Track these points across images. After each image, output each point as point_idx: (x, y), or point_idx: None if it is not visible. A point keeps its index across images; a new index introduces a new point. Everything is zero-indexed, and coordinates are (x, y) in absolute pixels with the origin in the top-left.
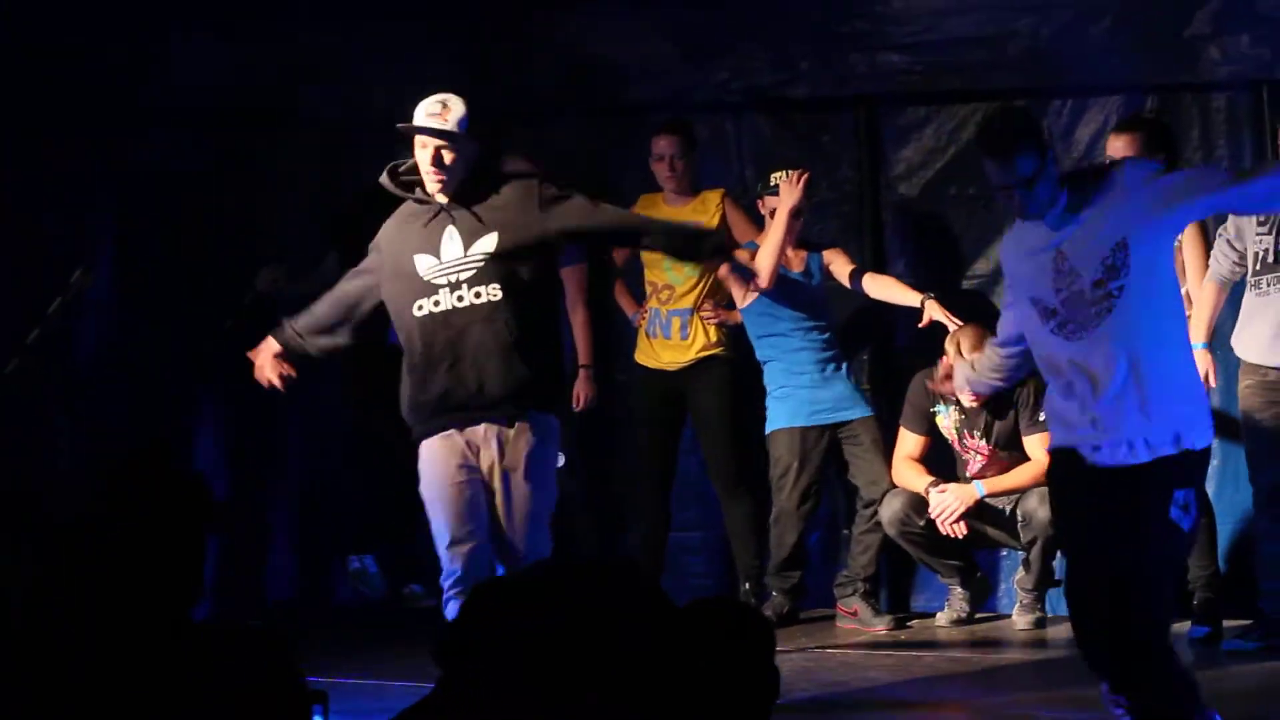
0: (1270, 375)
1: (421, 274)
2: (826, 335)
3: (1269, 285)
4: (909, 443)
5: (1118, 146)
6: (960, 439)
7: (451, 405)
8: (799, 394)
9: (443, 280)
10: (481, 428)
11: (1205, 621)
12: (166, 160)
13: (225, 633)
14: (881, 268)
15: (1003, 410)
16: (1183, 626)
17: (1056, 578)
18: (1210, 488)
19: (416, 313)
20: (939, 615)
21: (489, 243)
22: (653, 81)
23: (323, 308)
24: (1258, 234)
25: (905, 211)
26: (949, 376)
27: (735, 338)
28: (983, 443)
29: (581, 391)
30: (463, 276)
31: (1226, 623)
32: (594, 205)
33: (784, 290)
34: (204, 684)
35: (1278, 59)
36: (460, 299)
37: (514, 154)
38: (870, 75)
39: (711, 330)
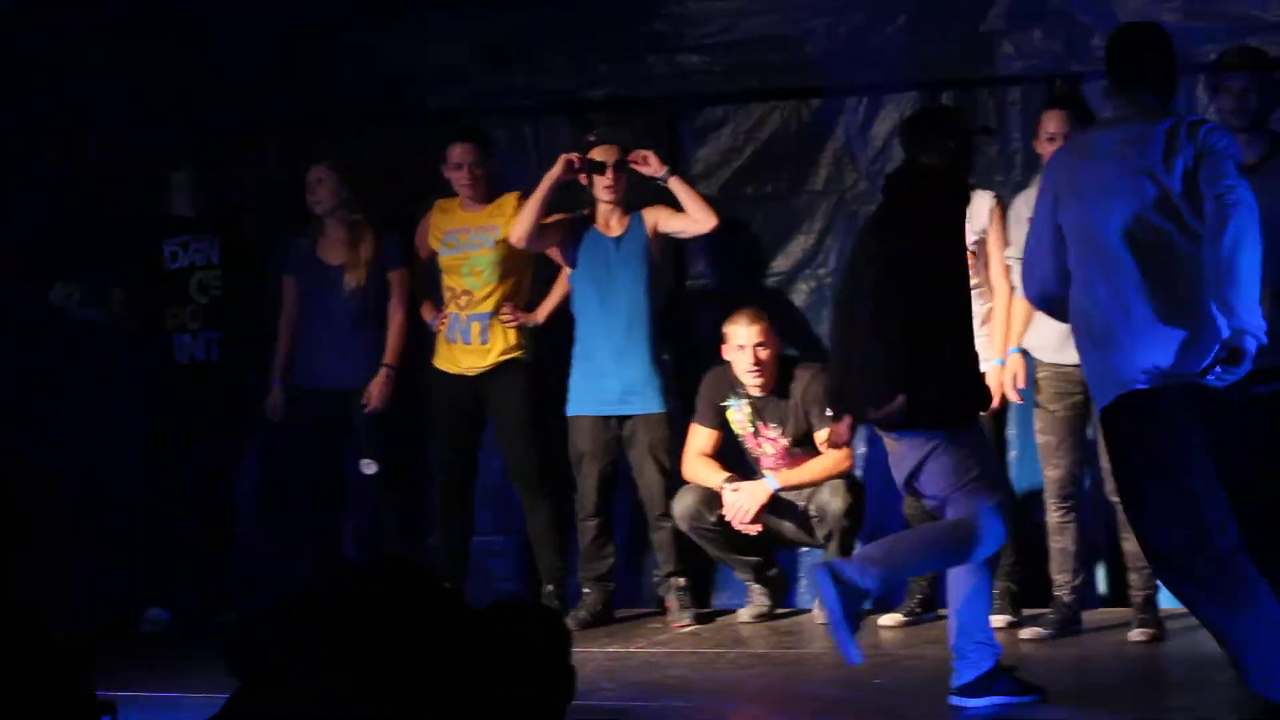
0: (1064, 367)
1: None
2: (631, 314)
3: None
4: (701, 438)
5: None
6: (754, 433)
7: None
8: (588, 379)
9: None
10: None
11: (1007, 610)
12: None
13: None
14: (682, 267)
15: (794, 404)
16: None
17: None
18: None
19: None
20: (740, 611)
21: None
22: (450, 87)
23: None
24: None
25: None
26: None
27: (535, 340)
28: (776, 436)
29: (376, 390)
30: None
31: (1024, 611)
32: None
33: (587, 256)
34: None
35: (1070, 52)
36: None
37: None
38: (668, 76)
39: (510, 333)
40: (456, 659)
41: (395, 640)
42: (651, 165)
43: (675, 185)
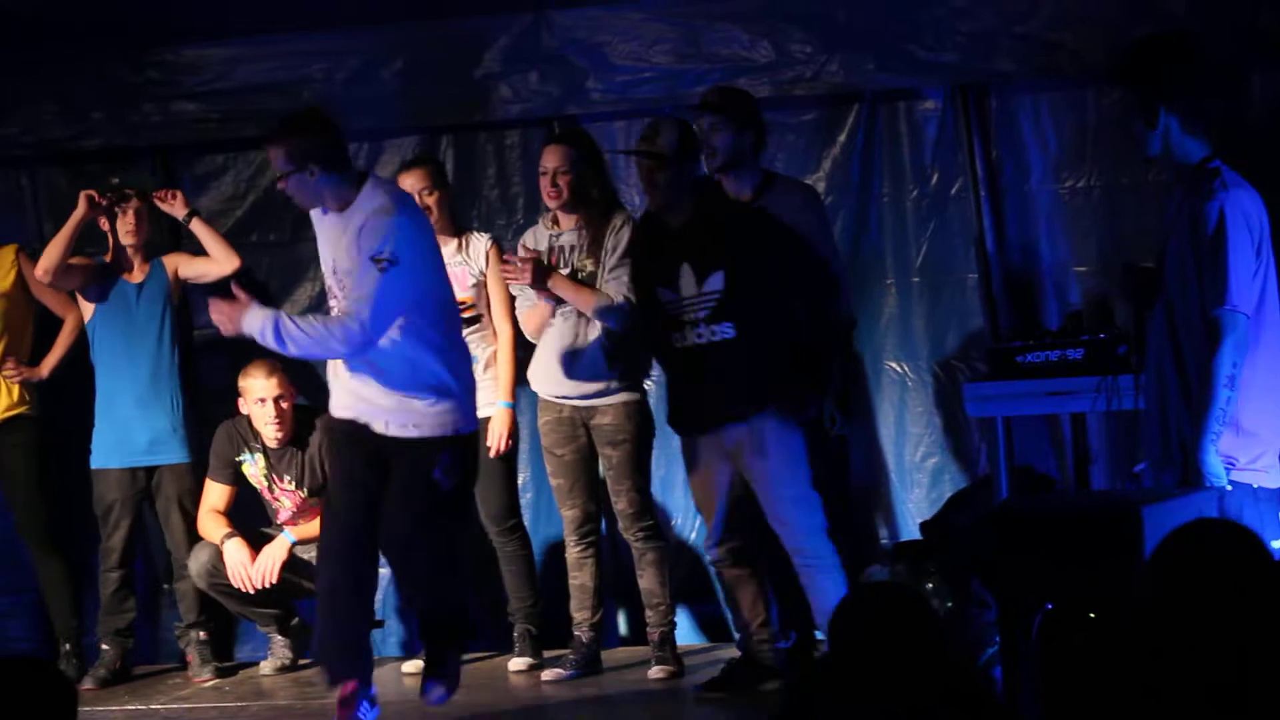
0: (565, 410)
1: None
2: (156, 362)
3: (552, 317)
4: (214, 494)
5: (409, 182)
6: (269, 487)
7: None
8: (114, 429)
9: None
10: None
11: (528, 652)
12: None
13: None
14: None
15: (310, 455)
16: (512, 661)
17: (378, 618)
18: (525, 518)
19: None
20: (262, 664)
21: None
22: None
23: None
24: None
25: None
26: None
27: (42, 394)
28: (293, 489)
29: None
30: None
31: (545, 652)
32: None
33: (109, 302)
34: None
35: (567, 95)
36: None
37: None
38: (164, 124)
39: (14, 389)
40: None
41: None
42: (177, 204)
43: (197, 226)
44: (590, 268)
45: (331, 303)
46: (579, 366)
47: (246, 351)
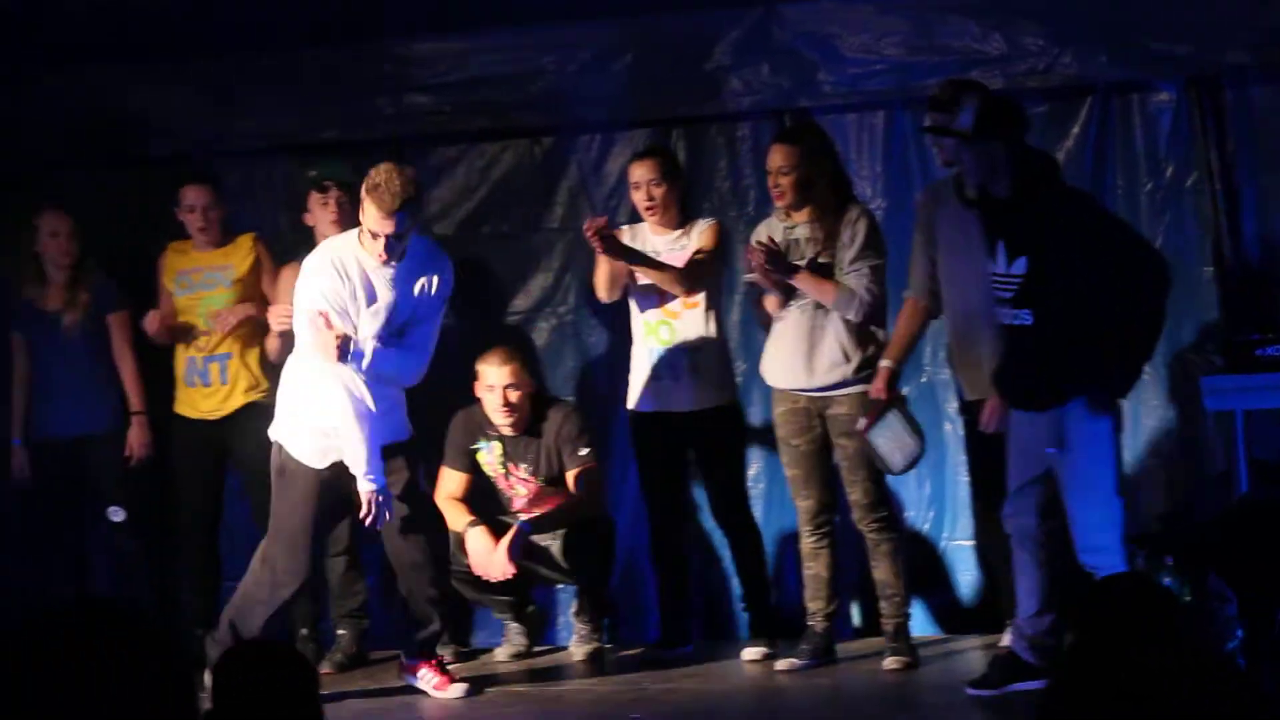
0: (800, 401)
1: None
2: None
3: (786, 309)
4: (451, 481)
5: (638, 173)
6: (504, 474)
7: None
8: None
9: None
10: None
11: (760, 641)
12: None
13: None
14: None
15: (545, 444)
16: (745, 650)
17: (612, 606)
18: (757, 511)
19: None
20: (497, 650)
21: None
22: (179, 131)
23: None
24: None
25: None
26: None
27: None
28: (528, 477)
29: (135, 440)
30: None
31: (779, 643)
32: None
33: None
34: None
35: (797, 88)
36: None
37: None
38: (397, 117)
39: (253, 374)
40: (172, 707)
41: (102, 691)
42: None
43: None
44: (825, 261)
45: (371, 344)
46: (816, 359)
47: (482, 340)
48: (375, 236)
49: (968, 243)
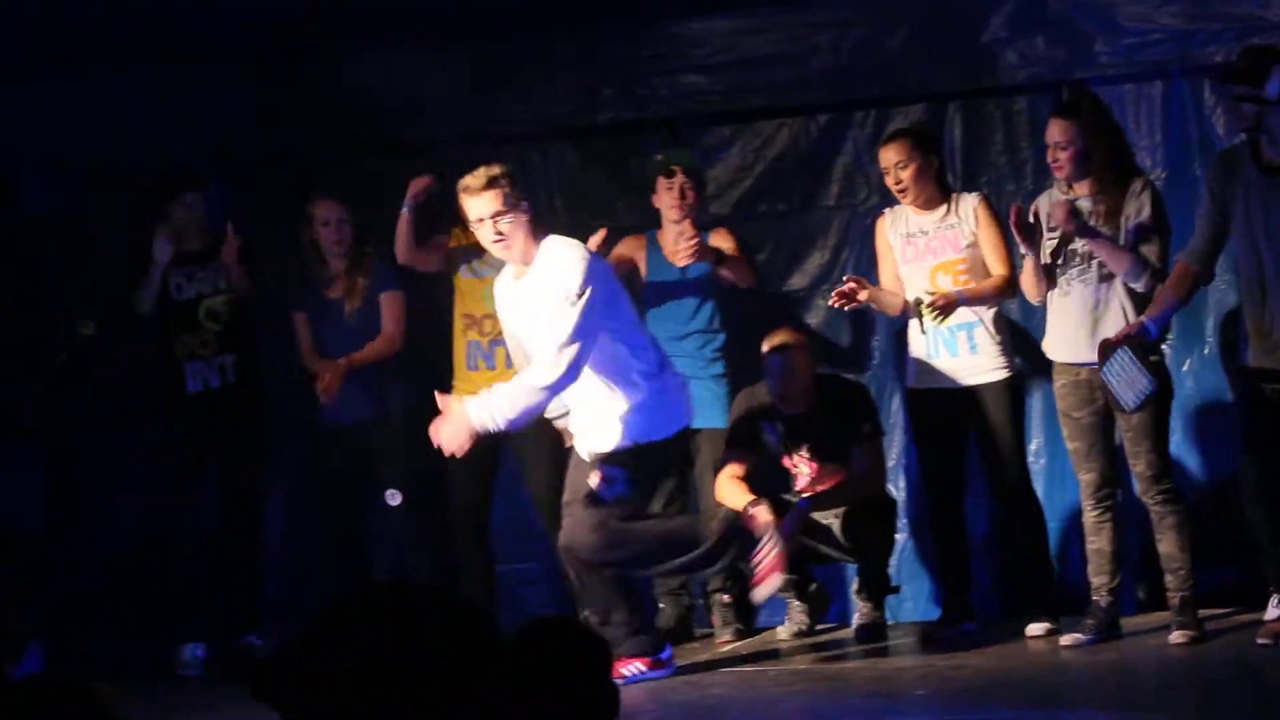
0: (1082, 374)
1: None
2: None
3: (1069, 283)
4: (733, 460)
5: (887, 156)
6: (788, 454)
7: None
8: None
9: None
10: None
11: (1044, 617)
12: None
13: (35, 690)
14: None
15: (828, 421)
16: (1030, 627)
17: (894, 584)
18: (1038, 487)
19: None
20: (779, 629)
21: None
22: (452, 116)
23: None
24: (1048, 237)
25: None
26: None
27: None
28: (809, 456)
29: (327, 378)
30: None
31: (1062, 618)
32: None
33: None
34: None
35: (1074, 60)
36: None
37: None
38: (671, 98)
39: None
40: (489, 680)
41: (425, 661)
42: None
43: None
44: (1108, 233)
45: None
46: (1101, 331)
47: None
48: None
49: (1266, 210)
